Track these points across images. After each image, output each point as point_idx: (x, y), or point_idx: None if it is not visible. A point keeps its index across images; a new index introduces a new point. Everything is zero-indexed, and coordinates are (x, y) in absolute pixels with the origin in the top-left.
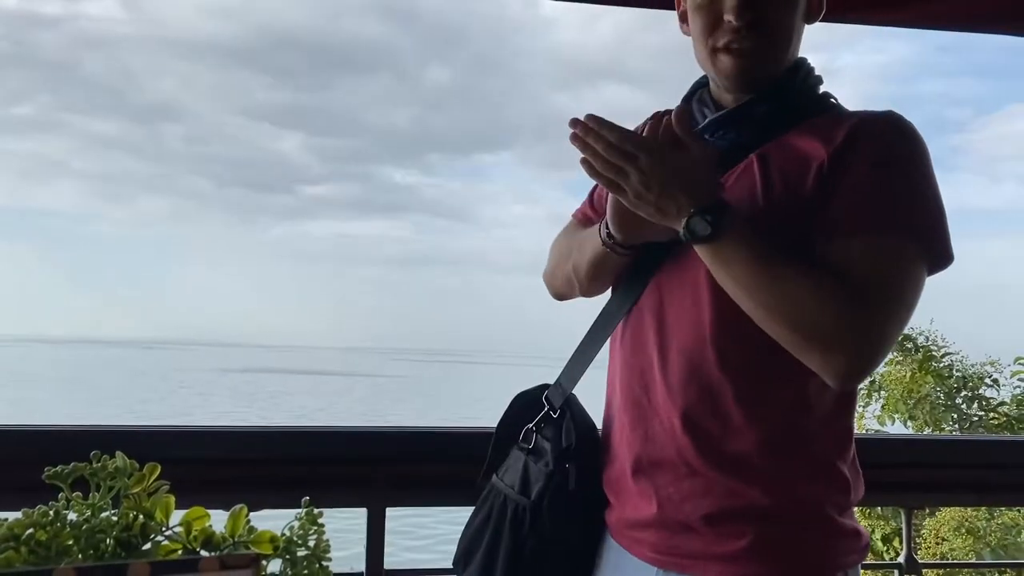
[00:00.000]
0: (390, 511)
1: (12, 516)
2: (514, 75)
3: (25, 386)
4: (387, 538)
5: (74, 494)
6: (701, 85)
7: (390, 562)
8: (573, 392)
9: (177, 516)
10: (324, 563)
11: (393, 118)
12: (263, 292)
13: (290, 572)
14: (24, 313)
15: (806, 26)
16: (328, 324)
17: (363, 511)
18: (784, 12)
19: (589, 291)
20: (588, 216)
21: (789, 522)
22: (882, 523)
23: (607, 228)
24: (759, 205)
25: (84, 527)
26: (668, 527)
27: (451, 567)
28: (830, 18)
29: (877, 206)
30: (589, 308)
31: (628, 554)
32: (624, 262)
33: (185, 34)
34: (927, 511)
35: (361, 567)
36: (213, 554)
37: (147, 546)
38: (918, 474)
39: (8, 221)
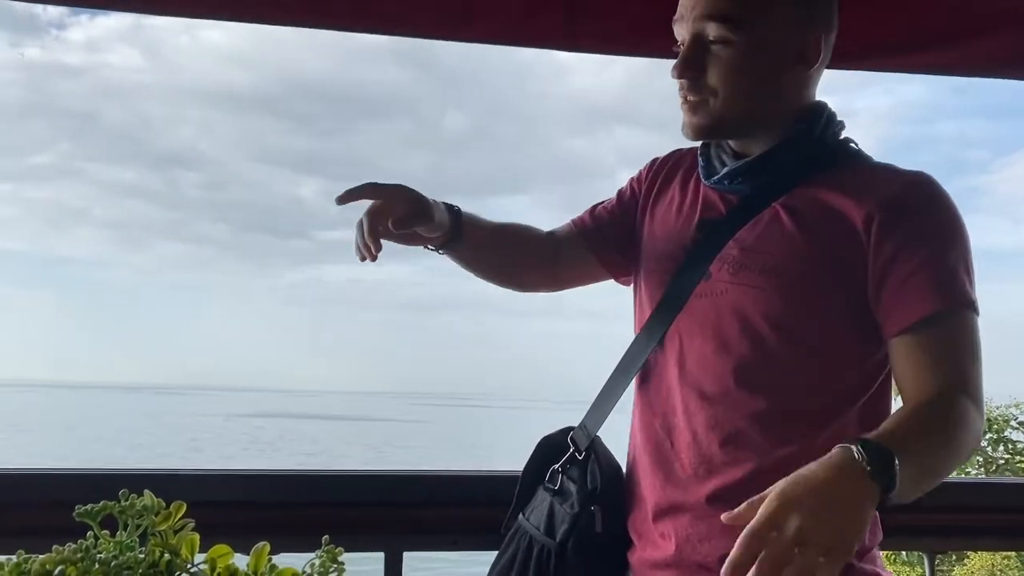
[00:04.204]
0: (407, 555)
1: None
2: (529, 120)
3: (33, 431)
4: None
5: (103, 532)
6: None
7: None
8: (598, 435)
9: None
10: None
11: (410, 163)
12: (277, 337)
13: None
14: (42, 359)
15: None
16: (342, 369)
17: (380, 555)
18: (736, 63)
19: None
20: (584, 222)
21: None
22: (907, 569)
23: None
24: (792, 256)
25: (113, 564)
26: (686, 567)
27: None
28: (841, 66)
29: (937, 290)
30: (607, 353)
31: None
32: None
33: (205, 83)
34: (954, 558)
35: None
36: None
37: None
38: (942, 518)
39: (29, 268)
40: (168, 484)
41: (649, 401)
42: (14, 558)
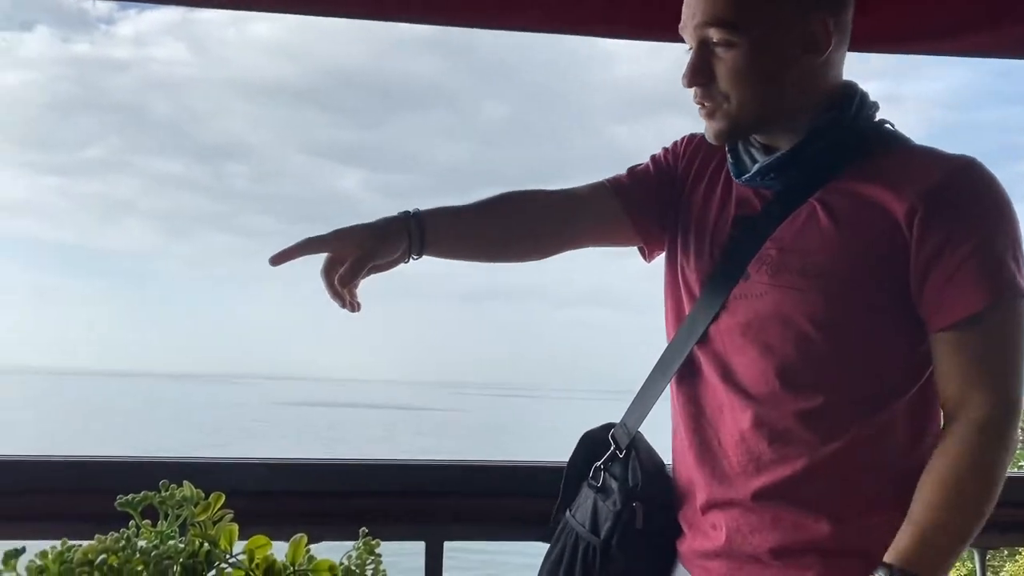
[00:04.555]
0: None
1: (86, 543)
2: (573, 109)
3: (83, 419)
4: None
5: (144, 522)
6: None
7: None
8: (639, 430)
9: (240, 547)
10: None
11: (450, 153)
12: (323, 328)
13: None
14: (92, 348)
15: (846, 54)
16: (387, 359)
17: (421, 545)
18: (744, 64)
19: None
20: (621, 182)
21: (856, 557)
22: (957, 565)
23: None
24: (831, 256)
25: (153, 553)
26: (736, 558)
27: None
28: (878, 49)
29: (983, 285)
30: (650, 344)
31: None
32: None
33: (250, 76)
34: (1006, 553)
35: None
36: None
37: (211, 573)
38: (994, 513)
39: (79, 260)
40: (209, 472)
41: (691, 399)
42: (58, 545)
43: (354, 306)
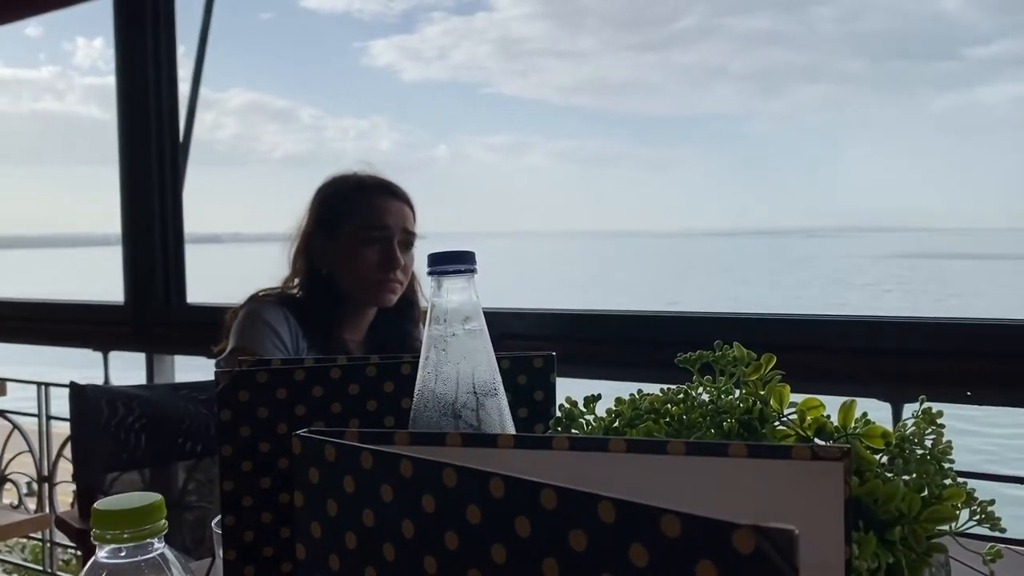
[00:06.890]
0: None
1: (658, 387)
2: None
3: (683, 275)
4: None
5: (705, 378)
6: None
7: None
8: None
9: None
10: (945, 464)
11: None
12: (926, 172)
13: (903, 469)
14: (691, 210)
15: None
16: (1003, 204)
17: None
18: None
19: None
20: None
21: None
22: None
23: None
24: None
25: (710, 407)
26: None
27: None
28: None
29: None
30: None
31: None
32: None
33: None
34: None
35: None
36: (804, 445)
37: (764, 430)
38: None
39: (676, 127)
40: (754, 328)
41: None
42: (635, 393)
43: None
